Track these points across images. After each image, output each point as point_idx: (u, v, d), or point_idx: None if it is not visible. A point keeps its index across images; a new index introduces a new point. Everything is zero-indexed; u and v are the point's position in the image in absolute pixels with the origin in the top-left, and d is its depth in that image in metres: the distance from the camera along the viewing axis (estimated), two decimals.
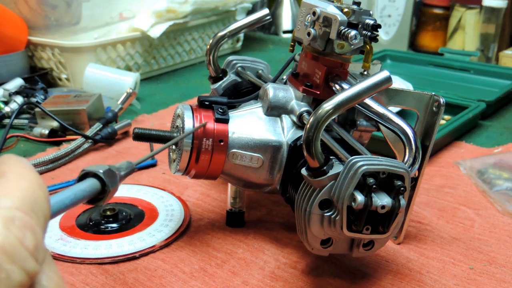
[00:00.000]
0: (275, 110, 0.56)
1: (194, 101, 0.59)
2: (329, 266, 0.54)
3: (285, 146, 0.54)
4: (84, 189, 0.34)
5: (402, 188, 0.43)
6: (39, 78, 1.03)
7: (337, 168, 0.44)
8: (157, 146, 0.77)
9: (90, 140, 0.81)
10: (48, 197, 0.25)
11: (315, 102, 0.56)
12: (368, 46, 0.52)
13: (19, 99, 0.93)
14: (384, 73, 0.44)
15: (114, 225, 0.61)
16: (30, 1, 1.07)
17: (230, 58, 0.68)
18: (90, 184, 0.35)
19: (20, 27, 1.08)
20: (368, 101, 0.52)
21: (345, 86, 0.52)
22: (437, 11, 1.62)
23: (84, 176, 0.36)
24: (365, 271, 0.54)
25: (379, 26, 0.51)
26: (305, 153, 0.44)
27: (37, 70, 1.13)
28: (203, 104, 0.56)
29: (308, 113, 0.54)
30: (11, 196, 0.23)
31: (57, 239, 0.58)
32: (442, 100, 0.52)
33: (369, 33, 0.51)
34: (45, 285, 0.24)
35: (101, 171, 0.36)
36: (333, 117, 0.43)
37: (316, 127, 0.43)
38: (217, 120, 0.54)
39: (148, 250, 0.57)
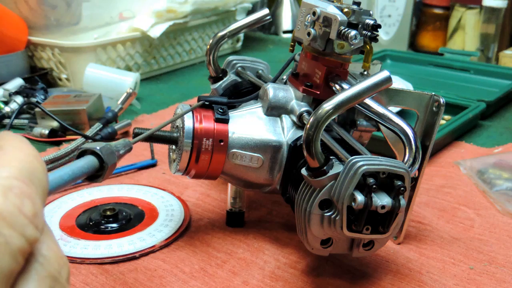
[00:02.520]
0: (275, 110, 0.56)
1: (194, 101, 0.59)
2: (329, 266, 0.54)
3: (285, 146, 0.54)
4: (82, 166, 0.34)
5: (402, 188, 0.43)
6: (39, 78, 1.03)
7: (337, 168, 0.44)
8: (157, 146, 0.77)
9: (90, 140, 0.81)
10: (45, 170, 0.25)
11: (315, 102, 0.56)
12: (368, 46, 0.52)
13: (19, 99, 0.93)
14: (384, 73, 0.44)
15: (114, 225, 0.61)
16: (30, 1, 1.07)
17: (230, 58, 0.68)
18: (88, 161, 0.36)
19: (20, 27, 1.08)
20: (368, 101, 0.52)
21: (345, 86, 0.52)
22: (437, 11, 1.62)
23: (82, 154, 0.36)
24: (365, 271, 0.54)
25: (379, 26, 0.51)
26: (305, 153, 0.44)
27: (37, 70, 1.13)
28: (203, 104, 0.56)
29: (308, 113, 0.54)
30: (9, 166, 0.23)
31: (57, 239, 0.58)
32: (442, 100, 0.52)
33: (369, 33, 0.51)
34: (45, 254, 0.24)
35: (98, 148, 0.36)
36: (333, 117, 0.43)
37: (316, 127, 0.43)
38: (217, 120, 0.54)
39: (148, 250, 0.57)
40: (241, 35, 1.44)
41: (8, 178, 0.23)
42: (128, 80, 1.00)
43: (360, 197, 0.42)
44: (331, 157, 0.46)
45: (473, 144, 0.84)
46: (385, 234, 0.45)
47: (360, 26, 0.51)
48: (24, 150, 0.25)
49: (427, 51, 1.55)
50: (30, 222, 0.23)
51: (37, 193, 0.24)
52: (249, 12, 1.40)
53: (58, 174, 0.31)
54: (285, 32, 1.72)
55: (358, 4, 0.52)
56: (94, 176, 0.37)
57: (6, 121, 0.90)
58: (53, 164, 0.76)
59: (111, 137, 0.83)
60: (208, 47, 0.64)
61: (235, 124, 0.55)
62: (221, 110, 0.55)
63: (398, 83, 0.95)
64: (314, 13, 0.52)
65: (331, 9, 0.51)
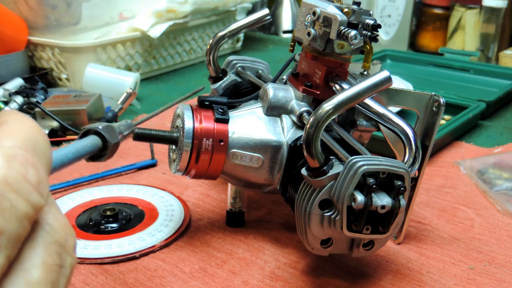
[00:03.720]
0: (275, 110, 0.56)
1: (194, 101, 0.59)
2: (329, 266, 0.54)
3: (285, 146, 0.54)
4: (86, 145, 0.35)
5: (402, 188, 0.43)
6: (39, 78, 1.02)
7: (337, 168, 0.44)
8: (157, 146, 0.77)
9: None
10: (49, 143, 0.26)
11: (315, 102, 0.56)
12: (368, 46, 0.52)
13: (19, 99, 0.93)
14: (384, 73, 0.44)
15: (114, 225, 0.61)
16: (30, 1, 1.07)
17: (230, 58, 0.68)
18: (91, 140, 0.36)
19: (20, 27, 1.08)
20: (368, 101, 0.52)
21: (345, 86, 0.52)
22: (437, 11, 1.62)
23: (85, 133, 0.37)
24: (365, 271, 0.54)
25: (379, 26, 0.51)
26: (305, 153, 0.44)
27: (37, 70, 1.13)
28: (203, 104, 0.56)
29: (308, 113, 0.54)
30: (12, 137, 0.24)
31: None
32: (442, 100, 0.52)
33: (369, 33, 0.51)
34: (51, 223, 0.24)
35: (100, 127, 0.37)
36: (333, 117, 0.43)
37: (316, 127, 0.43)
38: (217, 120, 0.54)
39: (148, 250, 0.57)
40: (241, 35, 1.44)
41: (12, 148, 0.23)
42: (128, 80, 1.00)
43: (360, 197, 0.42)
44: (331, 157, 0.46)
45: (473, 144, 0.84)
46: (385, 234, 0.45)
47: (360, 26, 0.51)
48: (27, 123, 0.25)
49: (427, 51, 1.54)
50: (35, 189, 0.23)
51: (41, 163, 0.24)
52: (249, 12, 1.40)
53: (63, 152, 0.31)
54: (285, 32, 1.72)
55: (358, 4, 0.52)
56: (97, 156, 0.37)
57: None
58: None
59: None
60: (208, 47, 0.64)
61: (235, 124, 0.55)
62: (221, 110, 0.55)
63: (398, 83, 0.95)
64: (314, 13, 0.52)
65: (331, 9, 0.51)
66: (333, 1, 0.53)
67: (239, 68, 0.67)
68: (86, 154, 0.34)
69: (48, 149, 0.25)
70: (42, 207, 0.23)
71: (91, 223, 0.61)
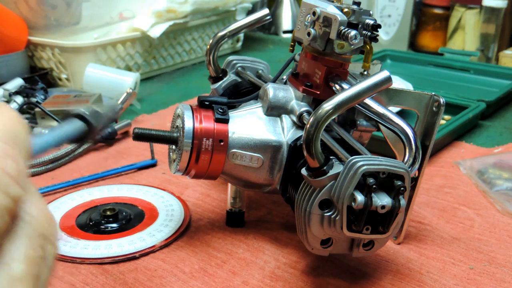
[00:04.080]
0: (275, 110, 0.56)
1: (194, 101, 0.59)
2: (329, 266, 0.54)
3: (285, 146, 0.54)
4: (68, 129, 0.35)
5: (402, 188, 0.43)
6: (39, 78, 1.02)
7: (337, 168, 0.44)
8: (157, 146, 0.77)
9: (90, 140, 0.81)
10: (28, 131, 0.25)
11: (315, 102, 0.56)
12: (368, 46, 0.52)
13: (19, 99, 0.93)
14: (384, 73, 0.44)
15: (114, 225, 0.61)
16: (30, 1, 1.07)
17: (230, 58, 0.68)
18: (74, 124, 0.36)
19: (20, 27, 1.08)
20: (368, 101, 0.52)
21: (345, 86, 0.52)
22: (437, 11, 1.62)
23: (69, 117, 0.37)
24: (365, 271, 0.54)
25: (379, 26, 0.51)
26: (305, 153, 0.44)
27: (37, 70, 1.13)
28: (203, 104, 0.56)
29: (308, 113, 0.54)
30: None
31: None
32: (442, 100, 0.52)
33: (369, 33, 0.51)
34: (31, 213, 0.24)
35: (84, 111, 0.37)
36: (333, 117, 0.43)
37: (316, 127, 0.43)
38: (217, 120, 0.54)
39: (148, 250, 0.57)
40: (241, 35, 1.44)
41: None
42: (128, 80, 1.00)
43: (360, 197, 0.42)
44: (331, 157, 0.46)
45: (473, 144, 0.84)
46: (385, 234, 0.45)
47: (360, 26, 0.51)
48: (5, 113, 0.25)
49: (427, 51, 1.54)
50: (14, 182, 0.23)
51: (20, 153, 0.24)
52: (249, 12, 1.39)
53: (44, 138, 0.31)
54: (285, 32, 1.72)
55: (358, 4, 0.52)
56: (82, 139, 0.37)
57: None
58: (53, 164, 0.76)
59: (111, 137, 0.84)
60: (208, 47, 0.64)
61: (235, 124, 0.55)
62: (221, 110, 0.55)
63: (398, 83, 0.95)
64: (314, 13, 0.52)
65: (331, 9, 0.51)
66: (333, 1, 0.53)
67: (239, 68, 0.67)
68: (68, 138, 0.35)
69: (27, 137, 0.25)
70: (21, 197, 0.23)
71: (91, 223, 0.61)
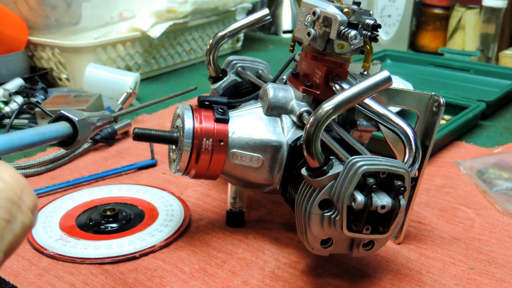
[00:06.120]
0: (275, 110, 0.56)
1: (194, 101, 0.59)
2: (329, 266, 0.54)
3: (285, 146, 0.54)
4: (55, 130, 0.35)
5: (402, 188, 0.43)
6: (39, 78, 1.03)
7: (337, 168, 0.44)
8: (157, 146, 0.77)
9: (90, 140, 0.81)
10: None
11: (315, 102, 0.56)
12: (368, 46, 0.52)
13: (19, 99, 0.93)
14: (384, 73, 0.44)
15: (114, 225, 0.61)
16: (30, 1, 1.07)
17: (230, 58, 0.68)
18: (62, 126, 0.36)
19: (20, 27, 1.08)
20: (368, 101, 0.52)
21: (345, 86, 0.52)
22: (437, 11, 1.62)
23: (59, 118, 0.37)
24: (365, 271, 0.54)
25: (379, 26, 0.51)
26: (305, 153, 0.44)
27: (37, 70, 1.13)
28: (203, 104, 0.56)
29: (308, 113, 0.54)
30: None
31: (57, 239, 0.58)
32: (442, 100, 0.52)
33: (369, 33, 0.51)
34: (5, 179, 0.25)
35: (71, 115, 0.37)
36: (333, 117, 0.43)
37: (316, 127, 0.43)
38: (217, 120, 0.54)
39: (148, 250, 0.57)
40: (241, 35, 1.44)
41: None
42: (128, 80, 1.00)
43: (360, 197, 0.42)
44: (331, 157, 0.46)
45: (473, 144, 0.84)
46: (385, 234, 0.45)
47: (360, 26, 0.51)
48: None
49: (427, 51, 1.54)
50: None
51: None
52: (249, 12, 1.40)
53: (30, 133, 0.31)
54: (285, 32, 1.72)
55: (358, 4, 0.52)
56: (66, 143, 0.37)
57: (6, 121, 0.90)
58: (53, 164, 0.76)
59: (111, 137, 0.83)
60: (208, 47, 0.64)
61: (235, 124, 0.55)
62: (221, 110, 0.55)
63: (398, 83, 0.95)
64: (314, 13, 0.52)
65: (331, 9, 0.51)
66: (333, 1, 0.53)
67: (239, 68, 0.67)
68: (53, 139, 0.35)
69: None
70: None
71: (91, 223, 0.61)
